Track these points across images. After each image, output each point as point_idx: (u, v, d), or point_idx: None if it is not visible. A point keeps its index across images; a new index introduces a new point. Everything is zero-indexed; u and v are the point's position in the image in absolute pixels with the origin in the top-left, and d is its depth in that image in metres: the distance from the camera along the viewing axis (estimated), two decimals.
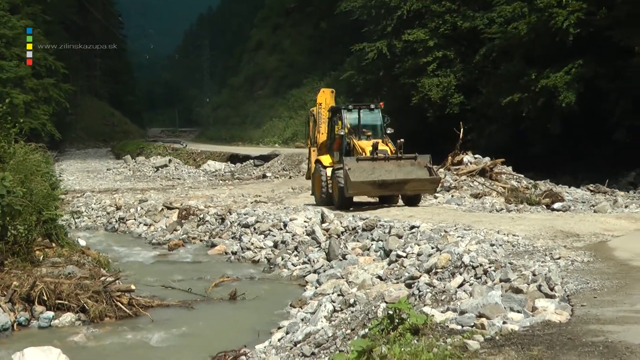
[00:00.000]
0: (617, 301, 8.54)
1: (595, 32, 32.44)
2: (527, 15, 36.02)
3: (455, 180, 26.40)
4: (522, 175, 27.47)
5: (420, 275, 12.18)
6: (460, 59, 42.19)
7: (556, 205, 21.47)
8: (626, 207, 20.72)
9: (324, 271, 16.42)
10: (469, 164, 28.04)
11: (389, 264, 14.73)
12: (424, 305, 10.13)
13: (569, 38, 32.65)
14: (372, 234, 17.64)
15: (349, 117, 24.62)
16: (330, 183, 23.81)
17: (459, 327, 8.12)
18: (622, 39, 30.84)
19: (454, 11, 42.36)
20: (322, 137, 26.32)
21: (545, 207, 21.60)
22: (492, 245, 12.92)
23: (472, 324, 8.25)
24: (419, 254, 14.00)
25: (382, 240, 16.75)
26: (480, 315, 8.47)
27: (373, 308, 11.09)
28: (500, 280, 10.25)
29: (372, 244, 17.01)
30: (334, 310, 12.66)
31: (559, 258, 11.44)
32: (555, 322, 7.94)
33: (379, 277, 14.06)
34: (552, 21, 33.22)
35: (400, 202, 24.05)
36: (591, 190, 26.12)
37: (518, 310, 8.61)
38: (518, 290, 9.52)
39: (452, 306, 9.47)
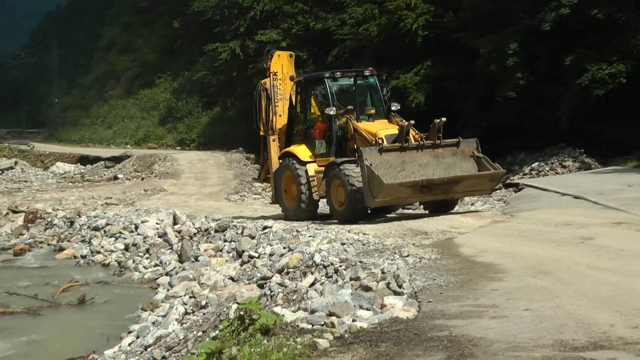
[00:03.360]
0: (462, 296, 8.76)
1: (443, 34, 33.39)
2: (377, 17, 36.73)
3: None
4: None
5: (272, 276, 12.15)
6: (312, 59, 42.52)
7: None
8: (472, 204, 21.35)
9: (176, 273, 16.21)
10: None
11: (241, 265, 14.67)
12: (276, 306, 10.11)
13: (418, 40, 33.52)
14: (224, 235, 17.52)
15: (337, 90, 18.27)
16: (316, 186, 17.94)
17: (309, 326, 8.14)
18: (468, 41, 31.84)
19: (306, 12, 42.74)
20: (282, 120, 19.63)
21: None
22: (343, 244, 13.02)
23: (322, 322, 8.28)
24: (271, 254, 13.99)
25: (234, 241, 16.65)
26: (330, 314, 8.50)
27: (225, 309, 11.02)
28: (351, 279, 10.32)
29: (224, 245, 16.89)
30: (186, 313, 12.53)
31: (408, 256, 11.63)
32: (402, 318, 8.07)
33: (231, 278, 13.98)
34: (401, 23, 34.02)
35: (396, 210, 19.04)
36: None
37: (367, 308, 8.70)
38: (367, 288, 9.62)
39: (303, 305, 9.48)
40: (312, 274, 11.42)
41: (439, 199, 16.59)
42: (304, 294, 10.40)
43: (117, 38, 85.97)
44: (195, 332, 10.78)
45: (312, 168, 18.10)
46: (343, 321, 8.17)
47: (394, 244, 13.00)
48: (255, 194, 29.96)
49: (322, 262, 11.58)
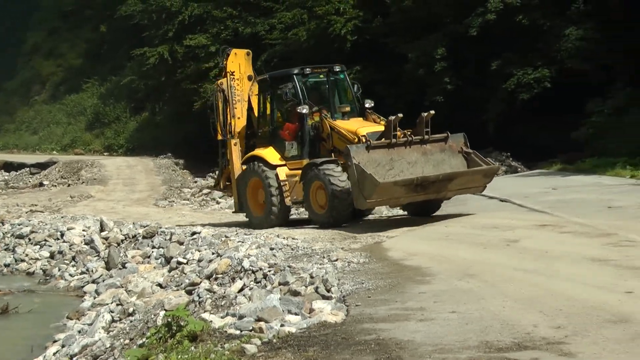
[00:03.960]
0: (390, 300, 8.80)
1: (372, 39, 33.69)
2: (306, 22, 36.85)
3: None
4: None
5: (201, 282, 12.06)
6: None
7: None
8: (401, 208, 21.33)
9: (103, 281, 15.97)
10: None
11: (169, 271, 14.51)
12: (204, 312, 10.04)
13: (347, 45, 33.77)
14: (152, 242, 17.32)
15: (306, 87, 17.18)
16: (287, 191, 16.91)
17: (238, 332, 8.10)
18: (396, 46, 32.17)
19: (235, 17, 42.58)
20: (241, 122, 18.62)
21: None
22: (272, 249, 12.98)
23: (251, 328, 8.24)
24: (199, 260, 13.87)
25: (162, 248, 16.48)
26: (259, 319, 8.48)
27: (152, 316, 10.91)
28: (279, 284, 10.31)
29: (152, 252, 16.69)
30: (113, 321, 12.35)
31: (337, 260, 11.64)
32: (331, 322, 8.06)
33: (159, 285, 13.82)
34: (330, 28, 34.23)
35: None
36: None
37: (296, 313, 8.69)
38: (296, 293, 9.61)
39: (231, 311, 9.43)
40: (240, 279, 11.37)
41: (431, 198, 15.59)
42: (233, 300, 10.35)
43: (42, 42, 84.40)
44: (122, 340, 10.63)
45: (282, 172, 17.06)
46: (271, 326, 8.14)
47: (323, 249, 13.00)
48: (184, 200, 29.71)
49: (250, 268, 11.54)
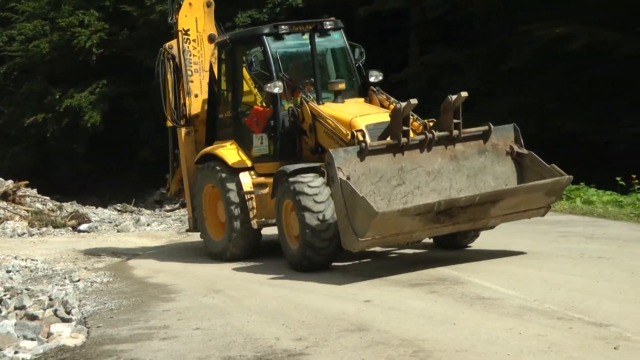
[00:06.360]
0: (133, 319, 8.60)
1: (118, 52, 33.06)
2: (49, 34, 35.60)
3: None
4: (48, 198, 26.78)
5: None
6: None
7: (82, 227, 21.20)
8: (148, 225, 21.05)
9: None
10: None
11: None
12: None
13: (93, 58, 32.97)
14: None
15: (283, 54, 11.88)
16: (255, 208, 11.47)
17: None
18: (144, 59, 31.75)
19: None
20: (198, 101, 13.07)
21: (71, 229, 21.23)
22: (8, 271, 12.31)
23: None
24: None
25: None
26: None
27: None
28: (15, 308, 9.78)
29: None
30: None
31: (79, 280, 11.28)
32: (70, 346, 7.77)
33: None
34: (74, 40, 33.25)
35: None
36: (118, 210, 26.33)
37: (32, 338, 8.28)
38: (33, 317, 9.16)
39: None
40: None
41: (464, 229, 10.33)
42: None
43: None
44: None
45: (247, 179, 11.62)
46: (4, 354, 7.72)
47: (65, 269, 12.59)
48: None
49: None
